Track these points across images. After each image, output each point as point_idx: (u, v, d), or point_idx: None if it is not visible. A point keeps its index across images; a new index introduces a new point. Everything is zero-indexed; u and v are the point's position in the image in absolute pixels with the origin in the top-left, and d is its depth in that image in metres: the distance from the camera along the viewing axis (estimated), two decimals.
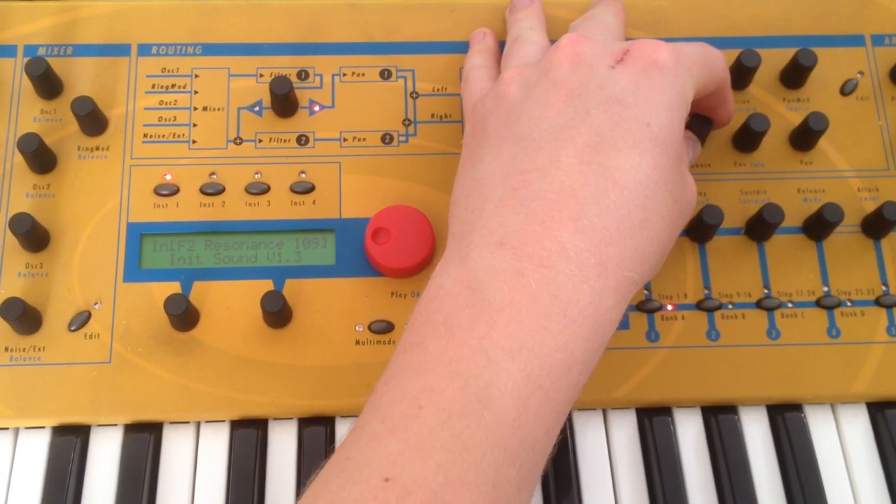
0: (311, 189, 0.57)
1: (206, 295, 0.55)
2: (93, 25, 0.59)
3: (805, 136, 0.58)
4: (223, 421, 0.55)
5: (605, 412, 0.56)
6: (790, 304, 0.56)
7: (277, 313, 0.53)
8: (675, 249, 0.56)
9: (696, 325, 0.56)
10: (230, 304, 0.55)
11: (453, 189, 0.49)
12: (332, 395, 0.53)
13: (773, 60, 0.60)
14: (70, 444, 0.53)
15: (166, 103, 0.58)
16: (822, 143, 0.59)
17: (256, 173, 0.57)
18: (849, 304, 0.56)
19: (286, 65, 0.59)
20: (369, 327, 0.55)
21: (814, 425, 0.56)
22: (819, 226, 0.56)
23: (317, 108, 0.59)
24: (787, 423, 0.55)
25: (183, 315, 0.52)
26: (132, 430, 0.54)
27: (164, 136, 0.58)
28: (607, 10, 0.56)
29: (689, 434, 0.55)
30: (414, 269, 0.55)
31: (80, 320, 0.54)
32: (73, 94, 0.57)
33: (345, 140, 0.58)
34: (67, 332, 0.54)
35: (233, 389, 0.53)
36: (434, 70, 0.60)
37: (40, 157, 0.55)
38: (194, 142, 0.58)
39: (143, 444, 0.53)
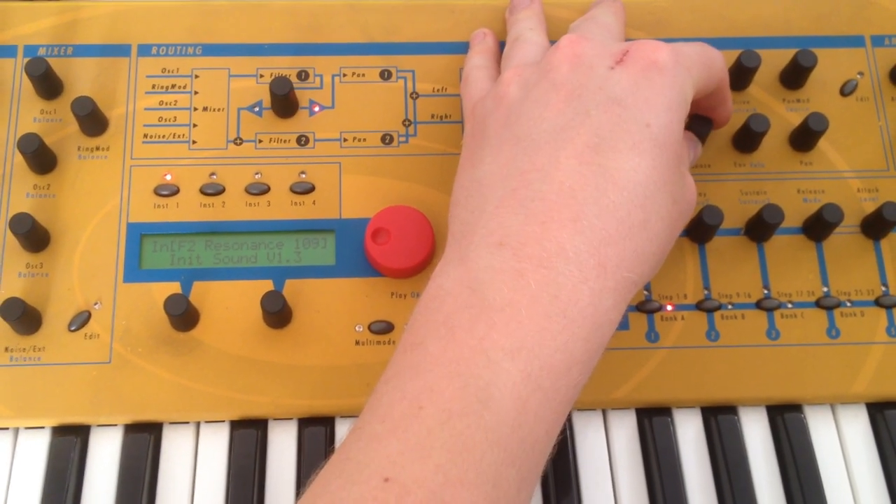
0: (311, 189, 0.57)
1: (206, 295, 0.55)
2: (93, 26, 0.59)
3: (805, 137, 0.58)
4: (223, 421, 0.55)
5: (604, 412, 0.56)
6: (790, 305, 0.56)
7: (277, 313, 0.53)
8: (674, 250, 0.56)
9: (696, 325, 0.56)
10: (230, 304, 0.55)
11: (453, 189, 0.49)
12: (331, 395, 0.53)
13: (773, 61, 0.60)
14: (70, 444, 0.53)
15: (166, 104, 0.58)
16: (822, 143, 0.59)
17: (256, 174, 0.57)
18: (848, 304, 0.56)
19: (286, 65, 0.59)
20: (369, 327, 0.55)
21: (813, 426, 0.56)
22: (819, 226, 0.56)
23: (317, 109, 0.59)
24: (787, 423, 0.55)
25: (183, 315, 0.52)
26: (132, 430, 0.54)
27: (164, 136, 0.58)
28: (607, 10, 0.56)
29: (689, 434, 0.55)
30: (414, 269, 0.55)
31: (80, 320, 0.54)
32: (73, 94, 0.57)
33: (345, 140, 0.58)
34: (67, 333, 0.54)
35: (233, 390, 0.53)
36: (434, 70, 0.60)
37: (40, 158, 0.55)
38: (194, 142, 0.58)
39: (143, 444, 0.53)
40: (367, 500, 0.38)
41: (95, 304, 0.54)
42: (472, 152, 0.49)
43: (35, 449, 0.54)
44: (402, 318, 0.55)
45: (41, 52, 0.59)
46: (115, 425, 0.54)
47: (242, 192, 0.57)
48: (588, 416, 0.56)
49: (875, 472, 0.55)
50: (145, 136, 0.58)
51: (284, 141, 0.58)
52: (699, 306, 0.56)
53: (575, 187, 0.43)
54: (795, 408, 0.56)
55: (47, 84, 0.57)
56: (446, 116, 0.59)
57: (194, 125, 0.58)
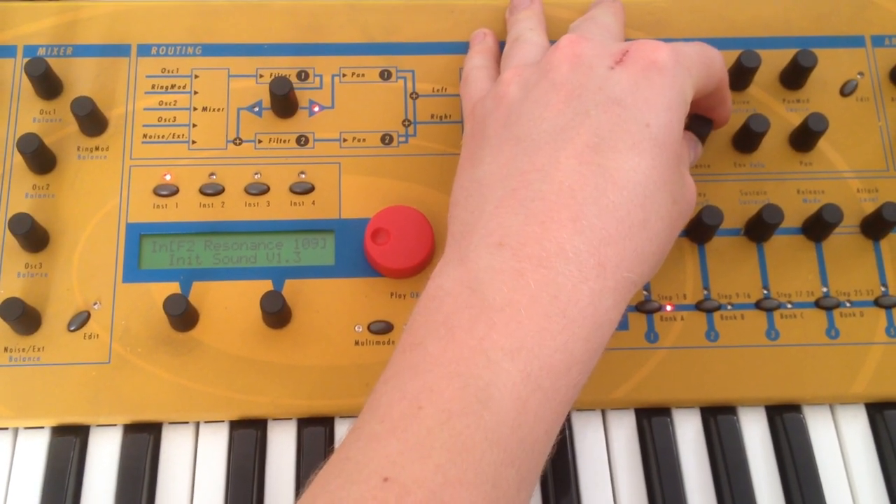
0: (311, 189, 0.57)
1: (205, 295, 0.55)
2: (93, 26, 0.59)
3: (805, 137, 0.58)
4: (222, 421, 0.55)
5: (604, 412, 0.56)
6: (789, 305, 0.56)
7: (277, 314, 0.53)
8: (674, 250, 0.56)
9: (696, 325, 0.56)
10: (229, 304, 0.55)
11: (453, 189, 0.49)
12: (331, 395, 0.53)
13: (773, 61, 0.60)
14: (69, 444, 0.53)
15: (166, 104, 0.58)
16: (822, 143, 0.59)
17: (256, 174, 0.57)
18: (848, 304, 0.56)
19: (286, 65, 0.59)
20: (368, 328, 0.55)
21: (813, 426, 0.56)
22: (818, 227, 0.56)
23: (316, 109, 0.59)
24: (786, 423, 0.55)
25: (182, 315, 0.52)
26: (131, 430, 0.54)
27: (163, 136, 0.58)
28: (607, 10, 0.56)
29: (688, 434, 0.55)
30: (413, 269, 0.55)
31: (80, 320, 0.54)
32: (72, 94, 0.57)
33: (344, 140, 0.58)
34: (67, 333, 0.54)
35: (232, 390, 0.53)
36: (434, 71, 0.60)
37: (40, 158, 0.55)
38: (194, 142, 0.58)
39: (143, 444, 0.53)
40: (367, 500, 0.38)
41: (95, 304, 0.54)
42: (472, 152, 0.49)
43: (34, 449, 0.54)
44: (401, 319, 0.55)
45: (41, 52, 0.59)
46: (115, 425, 0.54)
47: (242, 192, 0.57)
48: (587, 416, 0.56)
49: (874, 473, 0.55)
50: (145, 136, 0.58)
51: (284, 141, 0.58)
52: (699, 306, 0.56)
53: (574, 187, 0.43)
54: (795, 408, 0.56)
55: (47, 84, 0.57)
56: (446, 116, 0.59)
57: (194, 125, 0.58)
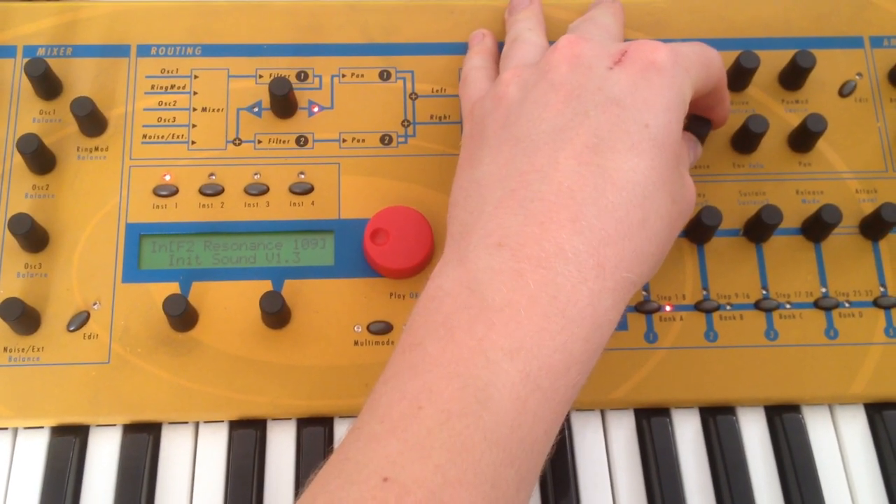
0: (310, 190, 0.57)
1: (204, 295, 0.55)
2: (92, 26, 0.60)
3: (804, 138, 0.58)
4: (222, 421, 0.55)
5: (603, 413, 0.56)
6: (788, 305, 0.56)
7: (276, 314, 0.53)
8: (673, 250, 0.56)
9: (695, 325, 0.56)
10: (229, 304, 0.55)
11: (452, 190, 0.49)
12: (330, 395, 0.54)
13: (772, 62, 0.60)
14: (69, 444, 0.54)
15: (165, 104, 0.58)
16: (821, 144, 0.59)
17: (255, 174, 0.57)
18: (847, 305, 0.56)
19: (285, 66, 0.60)
20: (368, 328, 0.55)
21: (812, 426, 0.56)
22: (817, 227, 0.56)
23: (316, 109, 0.59)
24: (785, 423, 0.55)
25: (182, 315, 0.52)
26: (131, 430, 0.54)
27: (163, 136, 0.58)
28: (606, 11, 0.56)
29: (688, 435, 0.55)
30: (413, 269, 0.55)
31: (79, 321, 0.54)
32: (72, 94, 0.57)
33: (344, 141, 0.58)
34: (66, 333, 0.54)
35: (231, 390, 0.53)
36: (433, 71, 0.60)
37: (39, 158, 0.56)
38: (193, 142, 0.58)
39: (142, 444, 0.54)
40: (367, 500, 0.38)
41: (94, 304, 0.54)
42: (471, 153, 0.49)
43: (34, 449, 0.54)
44: (400, 319, 0.55)
45: (40, 52, 0.59)
46: (114, 425, 0.54)
47: (241, 192, 0.57)
48: (587, 417, 0.56)
49: (873, 473, 0.55)
50: (144, 136, 0.58)
51: (283, 141, 0.58)
52: (698, 307, 0.56)
53: (574, 188, 0.43)
54: (794, 408, 0.56)
55: (46, 84, 0.57)
56: (445, 117, 0.59)
57: (193, 125, 0.58)
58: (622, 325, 0.55)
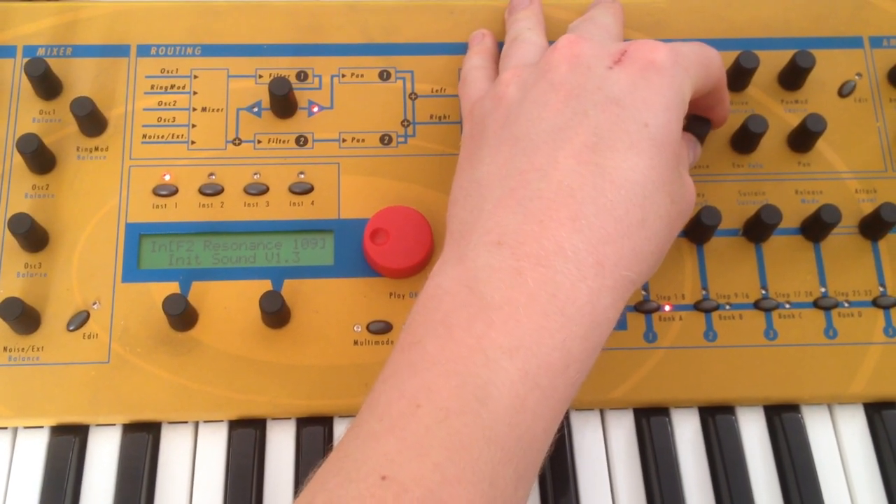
0: (310, 190, 0.57)
1: (204, 295, 0.55)
2: (92, 26, 0.60)
3: (803, 138, 0.58)
4: (221, 421, 0.55)
5: (602, 412, 0.56)
6: (787, 305, 0.56)
7: (276, 313, 0.53)
8: (673, 250, 0.56)
9: (694, 325, 0.56)
10: (229, 304, 0.55)
11: (451, 189, 0.49)
12: (330, 395, 0.54)
13: (772, 62, 0.60)
14: (68, 443, 0.54)
15: (165, 104, 0.58)
16: (820, 144, 0.59)
17: (255, 174, 0.57)
18: (846, 304, 0.56)
19: (285, 66, 0.60)
20: (367, 327, 0.55)
21: (811, 426, 0.56)
22: (817, 227, 0.56)
23: (316, 109, 0.59)
24: (785, 423, 0.55)
25: (181, 315, 0.53)
26: (131, 429, 0.54)
27: (163, 136, 0.58)
28: (605, 11, 0.56)
29: (687, 434, 0.55)
30: (412, 269, 0.55)
31: (79, 320, 0.54)
32: (72, 94, 0.57)
33: (343, 141, 0.58)
34: (66, 332, 0.54)
35: (231, 389, 0.53)
36: (433, 71, 0.60)
37: (39, 158, 0.56)
38: (193, 142, 0.58)
39: (142, 443, 0.54)
40: (365, 498, 0.38)
41: (94, 303, 0.54)
42: (471, 152, 0.49)
43: (34, 448, 0.54)
44: (400, 318, 0.55)
45: (40, 52, 0.59)
46: (114, 425, 0.54)
47: (241, 192, 0.57)
48: (586, 416, 0.56)
49: (872, 473, 0.55)
50: (144, 136, 0.58)
51: (283, 141, 0.58)
52: (697, 306, 0.56)
53: (573, 186, 0.43)
54: (793, 408, 0.56)
55: (46, 84, 0.57)
56: (445, 117, 0.59)
57: (193, 125, 0.58)
58: (621, 325, 0.55)
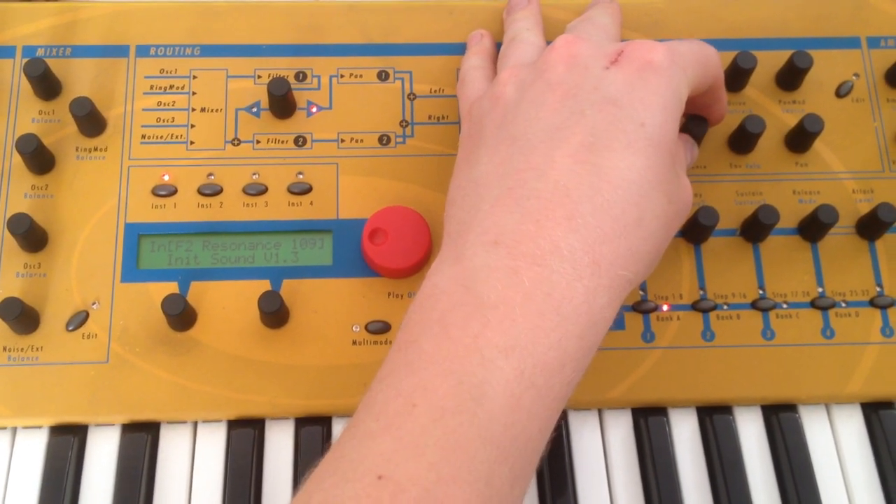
0: (309, 190, 0.57)
1: (203, 295, 0.55)
2: (91, 26, 0.60)
3: (800, 138, 0.58)
4: (220, 420, 0.55)
5: (600, 412, 0.56)
6: (785, 305, 0.56)
7: (274, 313, 0.53)
8: (670, 250, 0.56)
9: (692, 325, 0.56)
10: (227, 304, 0.55)
11: (449, 189, 0.49)
12: (328, 394, 0.54)
13: (769, 62, 0.60)
14: (67, 443, 0.54)
15: (164, 104, 0.59)
16: (818, 144, 0.59)
17: (254, 174, 0.57)
18: (843, 304, 0.56)
19: (284, 66, 0.60)
20: (366, 327, 0.55)
21: (808, 425, 0.56)
22: (814, 227, 0.56)
23: (314, 110, 0.59)
24: (782, 423, 0.55)
25: (180, 315, 0.53)
26: (129, 429, 0.54)
27: (162, 136, 0.58)
28: (603, 11, 0.56)
29: (685, 434, 0.55)
30: (411, 269, 0.55)
31: (78, 320, 0.54)
32: (71, 94, 0.58)
33: (342, 141, 0.58)
34: (65, 332, 0.54)
35: (230, 389, 0.53)
36: (431, 71, 0.60)
37: (39, 158, 0.56)
38: (192, 143, 0.58)
39: (141, 443, 0.54)
40: (361, 498, 0.38)
41: (93, 303, 0.54)
42: (469, 152, 0.49)
43: (33, 448, 0.54)
44: (398, 318, 0.55)
45: (40, 52, 0.59)
46: (113, 425, 0.55)
47: (240, 192, 0.57)
48: (584, 416, 0.56)
49: (869, 472, 0.55)
50: (143, 136, 0.58)
51: (282, 141, 0.58)
52: (695, 306, 0.56)
53: (569, 186, 0.43)
54: (790, 408, 0.56)
55: (46, 84, 0.57)
56: (443, 117, 0.59)
57: (192, 126, 0.58)
58: (619, 325, 0.56)
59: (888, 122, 0.60)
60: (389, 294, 0.56)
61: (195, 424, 0.55)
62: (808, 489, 0.54)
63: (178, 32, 0.60)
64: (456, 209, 0.47)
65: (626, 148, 0.44)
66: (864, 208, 0.58)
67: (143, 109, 0.58)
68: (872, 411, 0.56)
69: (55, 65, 0.58)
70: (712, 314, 0.56)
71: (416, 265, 0.55)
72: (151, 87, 0.59)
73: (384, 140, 0.58)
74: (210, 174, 0.57)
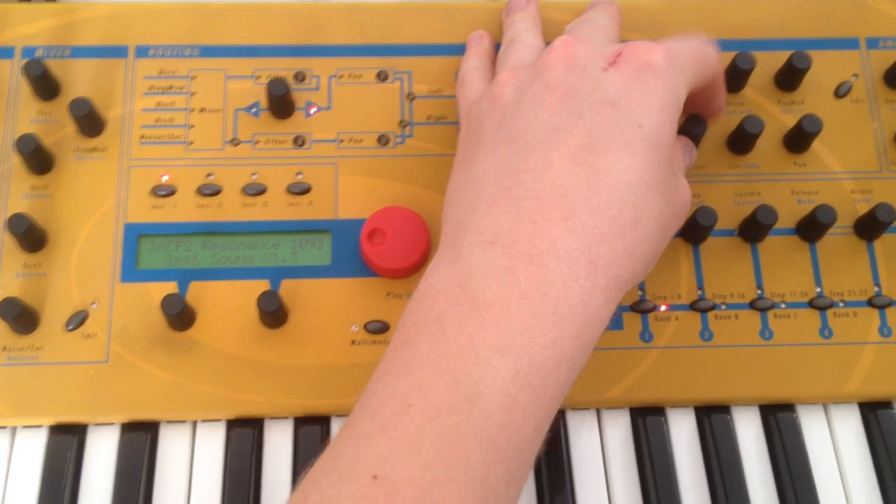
0: (308, 190, 0.57)
1: (202, 295, 0.55)
2: (90, 27, 0.60)
3: (799, 139, 0.58)
4: (219, 420, 0.55)
5: (598, 412, 0.56)
6: (783, 305, 0.56)
7: (273, 313, 0.53)
8: (669, 250, 0.56)
9: (690, 325, 0.56)
10: (226, 304, 0.55)
11: (447, 189, 0.49)
12: (327, 394, 0.54)
13: (768, 63, 0.60)
14: (67, 443, 0.54)
15: (164, 105, 0.59)
16: (816, 145, 0.59)
17: (253, 174, 0.57)
18: (841, 304, 0.56)
19: (283, 66, 0.60)
20: (365, 327, 0.55)
21: (806, 425, 0.56)
22: (812, 227, 0.56)
23: (313, 110, 0.59)
24: (780, 423, 0.55)
25: (179, 315, 0.53)
26: (129, 429, 0.54)
27: (161, 137, 0.58)
28: (602, 12, 0.56)
29: (683, 434, 0.56)
30: (409, 269, 0.55)
31: (78, 320, 0.54)
32: (70, 95, 0.58)
33: (341, 141, 0.58)
34: (65, 332, 0.54)
35: (229, 389, 0.54)
36: (430, 72, 0.60)
37: (38, 158, 0.56)
38: (191, 143, 0.58)
39: (140, 443, 0.54)
40: (357, 498, 0.38)
41: (92, 303, 0.55)
42: (467, 153, 0.49)
43: (32, 448, 0.54)
44: (397, 318, 0.54)
45: (39, 53, 0.59)
46: (112, 424, 0.55)
47: (239, 192, 0.57)
48: (582, 416, 0.56)
49: (867, 472, 0.55)
50: (142, 136, 0.58)
51: (281, 142, 0.58)
52: (693, 306, 0.56)
53: (567, 186, 0.43)
54: (788, 407, 0.56)
55: (45, 85, 0.57)
56: (442, 118, 0.59)
57: (191, 126, 0.58)
58: (618, 325, 0.56)
59: (887, 122, 0.60)
60: (388, 294, 0.56)
61: (194, 424, 0.55)
62: (806, 489, 0.54)
63: (177, 33, 0.60)
64: (453, 209, 0.47)
65: (623, 149, 0.44)
66: (863, 208, 0.58)
67: (143, 110, 0.58)
68: (870, 411, 0.56)
69: (54, 65, 0.58)
70: (710, 314, 0.56)
71: (415, 265, 0.55)
72: (151, 88, 0.59)
73: (383, 140, 0.59)
74: (209, 174, 0.57)
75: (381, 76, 0.60)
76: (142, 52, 0.59)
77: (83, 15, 0.60)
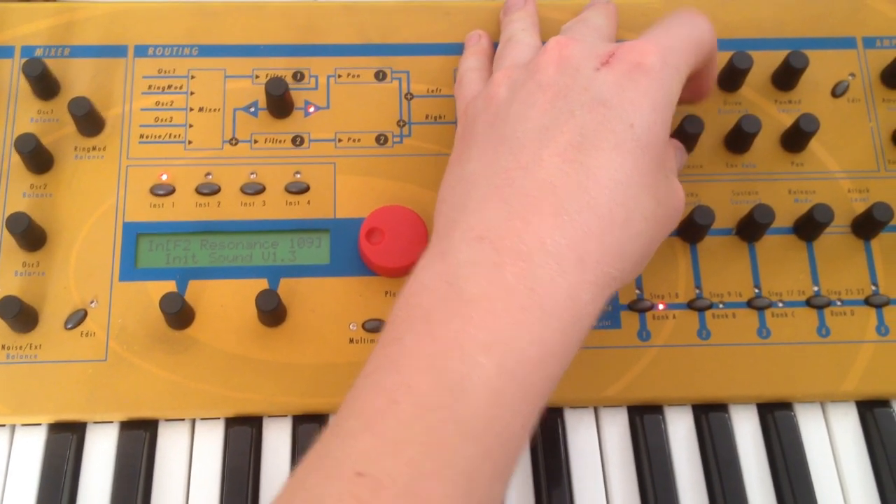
0: (306, 189, 0.57)
1: (201, 294, 0.55)
2: (90, 27, 0.60)
3: (796, 138, 0.58)
4: (218, 418, 0.55)
5: (596, 410, 0.56)
6: (780, 304, 0.56)
7: (272, 312, 0.53)
8: (666, 249, 0.56)
9: (688, 324, 0.56)
10: (225, 302, 0.55)
11: (440, 187, 0.49)
12: (326, 393, 0.54)
13: (765, 62, 0.60)
14: (66, 441, 0.54)
15: (163, 104, 0.59)
16: (813, 144, 0.59)
17: (252, 173, 0.57)
18: (839, 303, 0.56)
19: (282, 66, 0.60)
20: (363, 326, 0.55)
21: (803, 424, 0.56)
22: (809, 226, 0.56)
23: (312, 109, 0.59)
24: (777, 421, 0.55)
25: (178, 313, 0.53)
26: (128, 427, 0.55)
27: (160, 136, 0.58)
28: (598, 12, 0.56)
29: (680, 432, 0.56)
30: (407, 268, 0.55)
31: (77, 319, 0.54)
32: (70, 94, 0.58)
33: (339, 141, 0.58)
34: (64, 331, 0.54)
35: (228, 387, 0.54)
36: (429, 72, 0.60)
37: (37, 157, 0.56)
38: (190, 142, 0.58)
39: (139, 441, 0.54)
40: (344, 495, 0.38)
41: (91, 302, 0.55)
42: (461, 151, 0.49)
43: (31, 446, 0.54)
44: None
45: (38, 52, 0.59)
46: (111, 423, 0.55)
47: (238, 191, 0.57)
48: (580, 414, 0.56)
49: (864, 470, 0.55)
50: (141, 136, 0.58)
51: (280, 141, 0.58)
52: (691, 305, 0.56)
53: (556, 184, 0.43)
54: (786, 406, 0.56)
55: (44, 84, 0.57)
56: (440, 117, 0.59)
57: (190, 125, 0.58)
58: (615, 323, 0.56)
59: (883, 122, 0.60)
60: (386, 293, 0.56)
61: (193, 422, 0.55)
62: (804, 487, 0.54)
63: (176, 32, 0.60)
64: (445, 207, 0.47)
65: (614, 148, 0.44)
66: (860, 207, 0.58)
67: (142, 109, 0.59)
68: (867, 409, 0.56)
69: (54, 65, 0.58)
70: (708, 313, 0.56)
71: (413, 264, 0.54)
72: (150, 87, 0.59)
73: (381, 140, 0.59)
74: (208, 174, 0.57)
75: (380, 76, 0.60)
76: (141, 51, 0.60)
77: (82, 14, 0.60)
